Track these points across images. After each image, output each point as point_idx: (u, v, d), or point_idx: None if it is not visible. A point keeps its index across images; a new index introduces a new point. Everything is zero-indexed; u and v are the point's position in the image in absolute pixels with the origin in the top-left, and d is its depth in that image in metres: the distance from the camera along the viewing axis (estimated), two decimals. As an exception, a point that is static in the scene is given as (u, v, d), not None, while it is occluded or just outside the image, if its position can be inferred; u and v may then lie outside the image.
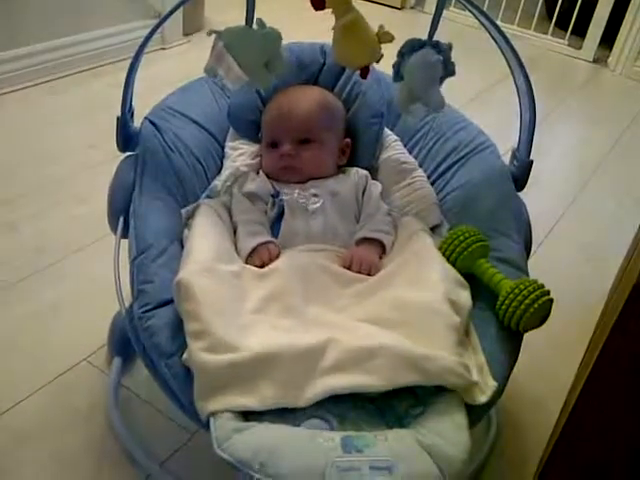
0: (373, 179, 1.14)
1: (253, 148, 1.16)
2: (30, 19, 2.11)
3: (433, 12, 1.02)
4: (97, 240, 1.48)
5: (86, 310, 1.32)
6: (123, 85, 1.03)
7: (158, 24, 1.02)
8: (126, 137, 1.06)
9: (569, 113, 2.51)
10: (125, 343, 1.17)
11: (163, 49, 2.51)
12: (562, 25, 3.09)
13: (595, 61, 3.03)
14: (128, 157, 1.08)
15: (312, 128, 1.08)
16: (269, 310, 0.87)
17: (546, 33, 3.11)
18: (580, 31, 3.03)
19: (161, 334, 0.83)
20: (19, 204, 1.59)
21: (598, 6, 2.94)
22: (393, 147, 1.18)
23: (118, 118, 1.05)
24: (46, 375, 1.18)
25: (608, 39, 2.98)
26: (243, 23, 0.99)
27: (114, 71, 2.26)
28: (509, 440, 1.19)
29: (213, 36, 0.98)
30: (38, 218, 1.56)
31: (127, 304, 0.96)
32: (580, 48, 3.05)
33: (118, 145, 1.07)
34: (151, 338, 0.84)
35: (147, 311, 0.86)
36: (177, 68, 2.29)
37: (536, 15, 3.11)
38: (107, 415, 1.11)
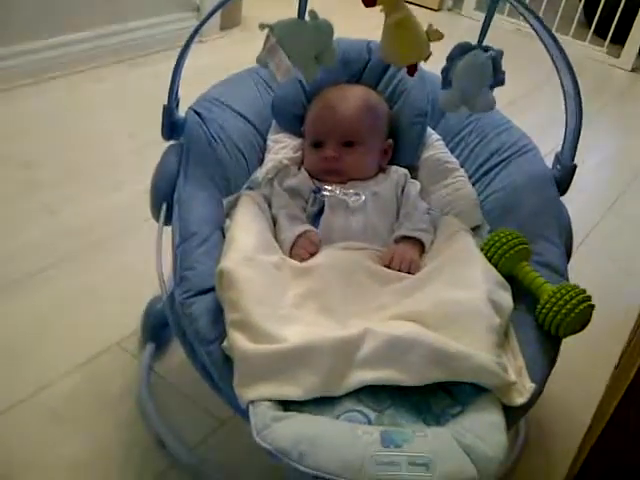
0: (414, 178, 1.14)
1: (295, 142, 1.16)
2: (75, 8, 2.14)
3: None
4: (132, 226, 1.50)
5: (119, 295, 1.33)
6: (166, 75, 1.04)
7: (209, 15, 1.02)
8: (172, 126, 1.07)
9: (607, 121, 2.49)
10: (158, 329, 1.20)
11: (201, 42, 2.53)
12: (601, 33, 3.06)
13: (634, 70, 3.00)
14: (173, 146, 1.09)
15: (357, 131, 1.08)
16: (307, 307, 0.88)
17: (585, 40, 3.08)
18: (619, 39, 3.00)
19: (202, 321, 0.84)
20: (58, 188, 1.62)
21: (639, 14, 2.91)
22: (435, 146, 1.18)
23: (164, 107, 1.06)
24: (78, 357, 1.19)
25: (648, 49, 2.95)
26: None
27: (152, 62, 2.29)
28: (537, 447, 1.18)
29: (258, 31, 0.97)
30: (76, 202, 1.58)
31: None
32: (619, 56, 3.02)
33: (163, 133, 1.08)
34: (192, 324, 0.84)
35: (188, 297, 0.86)
36: (214, 61, 2.30)
37: (575, 21, 3.08)
38: (138, 400, 1.13)
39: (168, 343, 1.22)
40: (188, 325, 0.85)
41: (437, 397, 0.80)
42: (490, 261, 0.94)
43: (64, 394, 1.13)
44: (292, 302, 0.87)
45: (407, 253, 0.99)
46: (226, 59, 2.06)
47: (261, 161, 1.15)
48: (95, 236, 1.48)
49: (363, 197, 1.05)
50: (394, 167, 1.14)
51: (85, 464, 1.03)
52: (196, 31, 1.02)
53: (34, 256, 1.40)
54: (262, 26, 0.97)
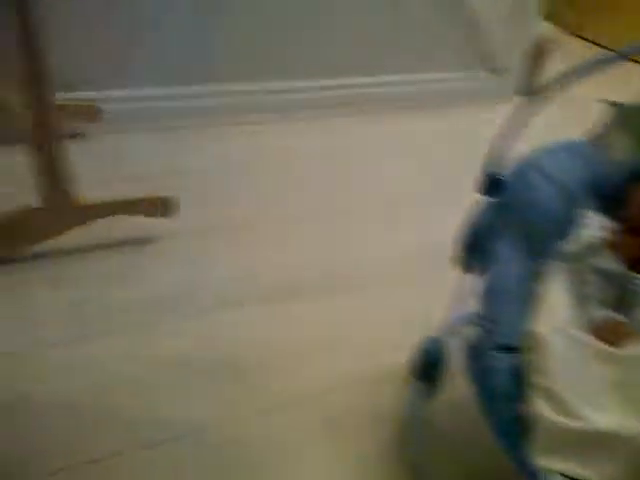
0: None
1: (610, 223, 1.15)
2: (362, 55, 2.33)
3: None
4: (416, 268, 1.58)
5: (398, 324, 1.41)
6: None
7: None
8: (490, 182, 1.12)
9: None
10: (429, 368, 1.24)
11: (496, 103, 2.58)
12: None
13: None
14: (488, 202, 1.13)
15: None
16: (613, 395, 0.86)
17: None
18: None
19: (504, 377, 0.86)
20: (337, 224, 1.77)
21: None
22: None
23: (484, 163, 1.12)
24: (356, 374, 1.29)
25: None
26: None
27: (431, 114, 2.40)
28: None
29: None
30: (359, 238, 1.72)
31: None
32: None
33: (480, 189, 1.13)
34: (493, 379, 0.87)
35: (492, 351, 0.89)
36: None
37: None
38: (401, 432, 1.18)
39: (437, 383, 1.26)
40: (489, 379, 0.88)
41: None
42: None
43: (340, 404, 1.22)
44: (597, 386, 0.86)
45: None
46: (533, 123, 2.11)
47: (573, 235, 1.15)
48: (383, 269, 1.59)
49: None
50: None
51: (338, 473, 1.11)
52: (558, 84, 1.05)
53: (315, 275, 1.55)
54: (610, 104, 0.98)
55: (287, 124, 2.21)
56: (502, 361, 0.88)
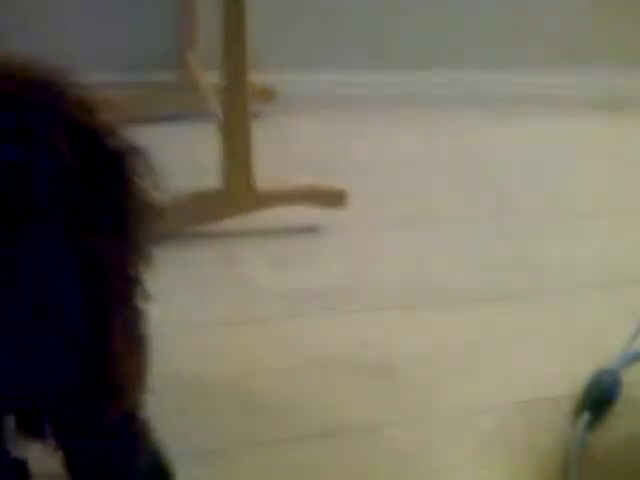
0: None
1: None
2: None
3: None
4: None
5: (561, 349, 1.33)
6: None
7: None
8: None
9: None
10: (599, 402, 1.16)
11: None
12: None
13: None
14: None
15: None
16: None
17: None
18: None
19: None
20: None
21: None
22: None
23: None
24: (513, 395, 1.21)
25: None
26: None
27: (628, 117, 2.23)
28: None
29: None
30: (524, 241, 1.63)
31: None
32: None
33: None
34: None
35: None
36: None
37: None
38: (563, 466, 1.11)
39: (604, 418, 1.17)
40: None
41: None
42: None
43: (496, 423, 1.16)
44: None
45: None
46: None
47: None
48: (558, 284, 1.51)
49: None
50: None
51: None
52: None
53: (491, 281, 1.49)
54: None
55: (475, 117, 2.15)
56: None
